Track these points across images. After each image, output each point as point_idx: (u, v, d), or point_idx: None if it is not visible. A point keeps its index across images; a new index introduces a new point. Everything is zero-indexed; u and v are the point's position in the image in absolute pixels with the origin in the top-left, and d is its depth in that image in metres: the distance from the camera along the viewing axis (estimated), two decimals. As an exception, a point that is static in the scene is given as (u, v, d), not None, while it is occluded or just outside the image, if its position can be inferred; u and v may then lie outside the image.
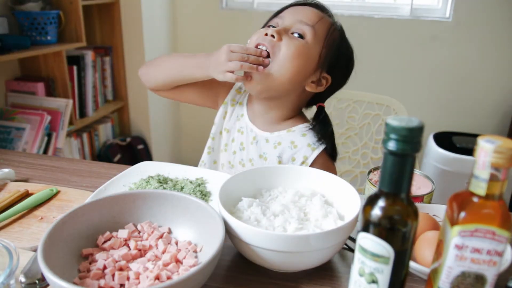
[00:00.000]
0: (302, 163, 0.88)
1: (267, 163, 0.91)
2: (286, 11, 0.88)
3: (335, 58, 0.87)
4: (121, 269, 0.56)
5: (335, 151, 0.91)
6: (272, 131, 0.92)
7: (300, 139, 0.89)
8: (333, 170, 0.90)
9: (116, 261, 0.56)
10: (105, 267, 0.55)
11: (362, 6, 2.32)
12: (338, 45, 0.88)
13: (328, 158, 0.90)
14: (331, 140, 0.90)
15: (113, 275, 0.54)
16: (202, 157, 1.01)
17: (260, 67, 0.80)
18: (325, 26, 0.86)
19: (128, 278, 0.54)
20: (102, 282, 0.53)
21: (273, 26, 0.86)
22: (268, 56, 0.82)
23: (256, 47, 0.83)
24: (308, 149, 0.88)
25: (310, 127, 0.90)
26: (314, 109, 0.95)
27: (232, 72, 0.80)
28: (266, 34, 0.83)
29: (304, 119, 0.95)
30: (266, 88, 0.84)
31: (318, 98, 0.93)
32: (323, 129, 0.89)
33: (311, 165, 0.87)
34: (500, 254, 0.43)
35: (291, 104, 0.91)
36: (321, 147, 0.88)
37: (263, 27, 0.90)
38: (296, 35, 0.83)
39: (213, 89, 0.99)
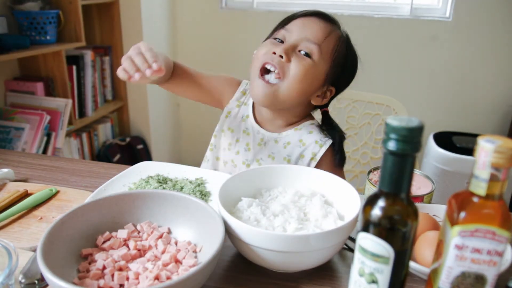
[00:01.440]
0: (311, 159, 0.90)
1: (274, 162, 0.92)
2: (294, 23, 0.87)
3: (340, 71, 0.89)
4: (120, 269, 0.56)
5: (343, 156, 0.92)
6: (280, 132, 0.93)
7: (308, 137, 0.92)
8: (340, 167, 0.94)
9: (116, 261, 0.56)
10: (104, 267, 0.55)
11: (362, 5, 2.32)
12: (344, 58, 0.89)
13: (335, 154, 0.92)
14: (340, 139, 0.92)
15: (112, 275, 0.54)
16: (206, 153, 1.03)
17: (148, 71, 0.72)
18: (332, 42, 0.86)
19: (127, 278, 0.54)
20: (101, 282, 0.53)
21: (280, 39, 0.86)
22: (266, 71, 0.84)
23: (264, 66, 0.84)
24: (316, 146, 0.91)
25: (316, 124, 0.94)
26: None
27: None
28: (275, 53, 0.83)
29: (309, 117, 0.97)
30: (272, 103, 0.86)
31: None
32: (331, 132, 0.92)
33: (320, 161, 0.90)
34: (500, 254, 0.43)
35: (297, 113, 0.94)
36: (328, 143, 0.91)
37: (269, 37, 0.90)
38: (303, 53, 0.83)
39: (218, 88, 0.99)
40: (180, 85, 0.96)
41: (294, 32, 0.85)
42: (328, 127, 0.93)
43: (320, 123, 0.95)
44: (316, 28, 0.85)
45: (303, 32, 0.84)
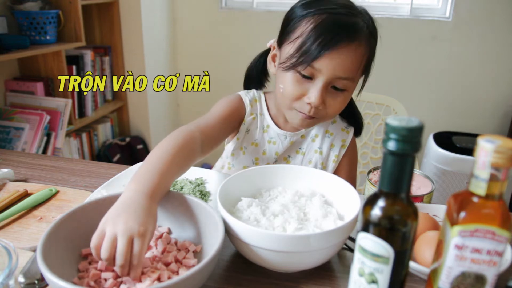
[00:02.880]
0: (342, 146, 0.96)
1: (305, 157, 0.95)
2: (322, 61, 0.75)
3: (370, 63, 0.85)
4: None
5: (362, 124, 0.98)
6: (306, 127, 0.93)
7: (333, 126, 0.96)
8: (356, 150, 1.01)
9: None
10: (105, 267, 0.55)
11: (362, 5, 2.31)
12: (373, 50, 0.83)
13: (354, 139, 0.99)
14: (359, 119, 0.97)
15: (112, 275, 0.54)
16: (224, 169, 0.98)
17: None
18: (364, 61, 0.80)
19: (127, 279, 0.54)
20: (101, 282, 0.53)
21: (307, 76, 0.78)
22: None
23: (304, 115, 0.81)
24: (343, 133, 0.96)
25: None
26: None
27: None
28: (309, 104, 0.79)
29: None
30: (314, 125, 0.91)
31: None
32: (351, 120, 0.97)
33: (349, 144, 0.96)
34: (500, 254, 0.43)
35: None
36: (352, 128, 0.97)
37: (291, 66, 0.78)
38: (337, 89, 0.79)
39: (235, 115, 0.92)
40: (213, 145, 0.82)
41: (324, 71, 0.76)
42: (350, 114, 0.96)
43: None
44: (348, 63, 0.77)
45: (335, 71, 0.76)
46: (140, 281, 0.53)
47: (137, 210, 0.54)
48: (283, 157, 0.95)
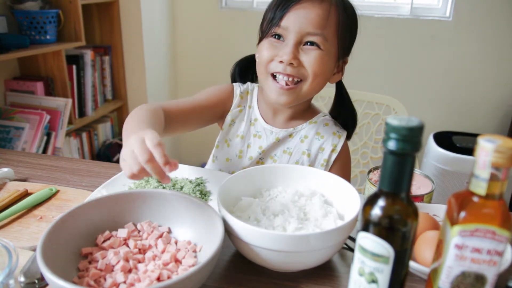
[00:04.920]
0: (332, 151, 0.92)
1: (292, 157, 0.92)
2: (288, 17, 0.80)
3: (348, 39, 0.86)
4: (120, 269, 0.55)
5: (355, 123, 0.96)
6: (294, 126, 0.93)
7: (325, 129, 0.93)
8: (349, 155, 0.98)
9: (117, 261, 0.56)
10: (105, 267, 0.55)
11: (362, 5, 2.32)
12: (347, 26, 0.84)
13: (347, 144, 0.95)
14: (353, 119, 0.95)
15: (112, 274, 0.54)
16: (207, 165, 1.00)
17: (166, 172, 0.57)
18: (332, 22, 0.81)
19: (127, 278, 0.54)
20: (101, 281, 0.53)
21: (277, 35, 0.82)
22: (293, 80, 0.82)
23: (273, 75, 0.83)
24: (335, 137, 0.92)
25: (329, 117, 0.95)
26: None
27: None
28: (282, 62, 0.80)
29: (317, 109, 0.97)
30: (294, 103, 0.86)
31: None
32: (341, 110, 0.95)
33: (341, 149, 0.92)
34: (500, 254, 0.43)
35: (311, 98, 0.93)
36: (345, 133, 0.94)
37: (264, 35, 0.84)
38: (309, 44, 0.81)
39: (219, 106, 0.94)
40: (179, 127, 0.87)
41: (292, 28, 0.80)
42: (340, 103, 0.94)
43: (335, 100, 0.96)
44: (313, 15, 0.79)
45: (301, 25, 0.79)
46: (140, 281, 0.53)
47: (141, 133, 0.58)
48: (270, 156, 0.93)
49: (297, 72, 0.81)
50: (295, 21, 0.80)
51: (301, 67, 0.81)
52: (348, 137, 0.95)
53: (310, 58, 0.80)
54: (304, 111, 0.94)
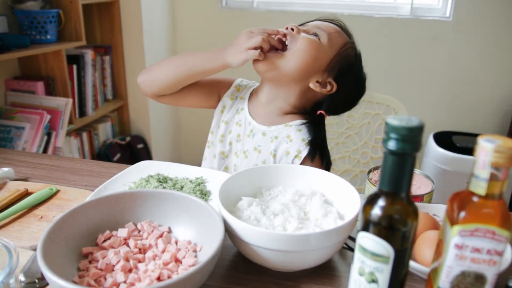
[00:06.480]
0: (295, 157, 0.89)
1: (261, 155, 0.92)
2: (309, 23, 0.93)
3: (346, 71, 0.90)
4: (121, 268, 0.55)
5: (329, 160, 0.93)
6: (270, 125, 0.93)
7: (296, 134, 0.91)
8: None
9: (117, 261, 0.56)
10: (105, 266, 0.55)
11: (362, 5, 2.32)
12: (352, 63, 0.92)
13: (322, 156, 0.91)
14: (321, 146, 0.91)
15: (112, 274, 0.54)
16: (204, 152, 1.03)
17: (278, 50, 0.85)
18: (341, 40, 0.91)
19: (127, 278, 0.54)
20: (101, 281, 0.53)
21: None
22: (283, 44, 0.88)
23: (271, 33, 0.88)
24: (302, 144, 0.89)
25: (305, 121, 0.92)
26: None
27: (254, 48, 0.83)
28: (287, 28, 0.88)
29: (303, 117, 0.95)
30: (274, 70, 0.87)
31: (320, 107, 0.94)
32: (316, 131, 0.91)
33: (303, 160, 0.88)
34: (500, 254, 0.43)
35: (293, 97, 0.93)
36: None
37: None
38: (312, 32, 0.89)
39: (214, 89, 1.00)
40: (185, 95, 0.97)
41: (307, 25, 0.92)
42: (315, 123, 0.91)
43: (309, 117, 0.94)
44: (330, 25, 0.91)
45: (316, 24, 0.91)
46: (140, 280, 0.53)
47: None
48: (243, 151, 0.95)
49: (291, 36, 0.87)
50: (312, 23, 0.92)
51: (296, 37, 0.87)
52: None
53: (307, 37, 0.87)
54: (289, 114, 0.94)
